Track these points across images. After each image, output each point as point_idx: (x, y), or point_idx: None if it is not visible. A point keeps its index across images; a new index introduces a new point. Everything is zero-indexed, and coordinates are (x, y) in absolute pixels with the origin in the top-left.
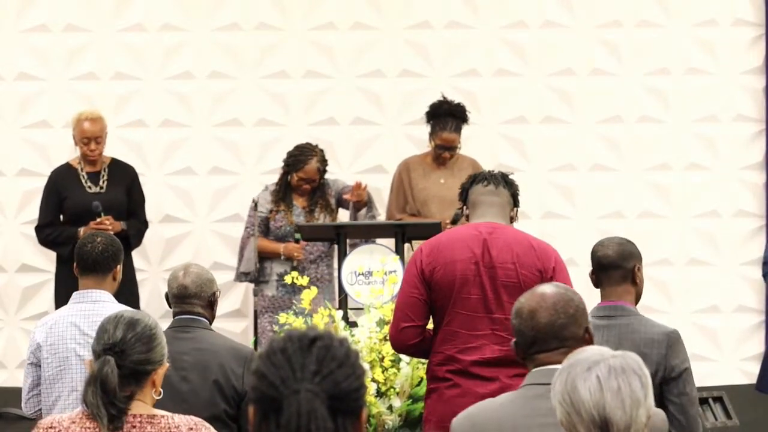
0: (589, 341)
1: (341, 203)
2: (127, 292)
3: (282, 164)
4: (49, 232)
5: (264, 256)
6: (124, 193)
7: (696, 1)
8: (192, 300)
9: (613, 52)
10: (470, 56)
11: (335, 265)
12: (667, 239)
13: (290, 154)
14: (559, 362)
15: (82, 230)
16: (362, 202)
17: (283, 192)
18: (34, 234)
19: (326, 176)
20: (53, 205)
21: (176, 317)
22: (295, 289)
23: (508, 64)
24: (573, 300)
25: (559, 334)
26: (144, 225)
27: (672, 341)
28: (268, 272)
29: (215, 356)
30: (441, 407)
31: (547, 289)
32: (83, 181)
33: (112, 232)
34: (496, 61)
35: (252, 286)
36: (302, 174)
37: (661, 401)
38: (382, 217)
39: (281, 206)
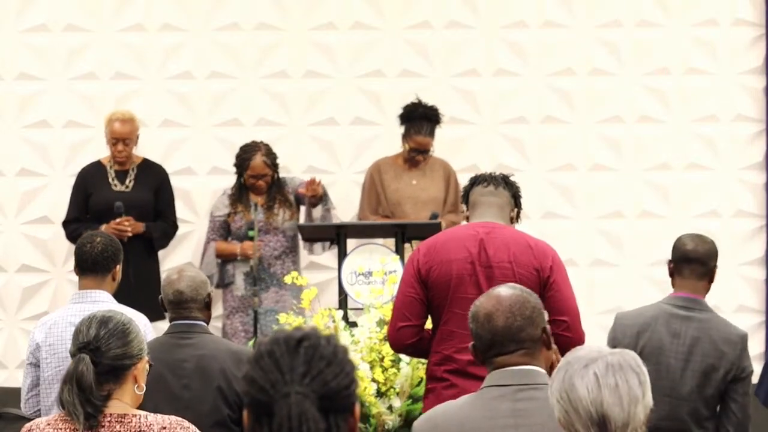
0: (547, 341)
1: (298, 199)
2: (148, 293)
3: (234, 168)
4: (74, 227)
5: (225, 259)
6: (151, 193)
7: (696, 1)
8: (189, 304)
9: (613, 52)
10: (470, 56)
11: (301, 262)
12: (667, 239)
13: (236, 156)
14: (518, 364)
15: (103, 228)
16: (317, 196)
17: (239, 193)
18: (34, 234)
19: (283, 175)
20: (80, 201)
21: (173, 323)
22: (261, 287)
23: (508, 64)
24: (529, 301)
25: (516, 337)
26: (172, 227)
27: (745, 343)
28: (231, 273)
29: (216, 361)
30: None
31: (503, 291)
32: (110, 179)
33: (131, 234)
34: (496, 61)
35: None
36: (251, 171)
37: (722, 398)
38: (336, 210)
39: (239, 207)
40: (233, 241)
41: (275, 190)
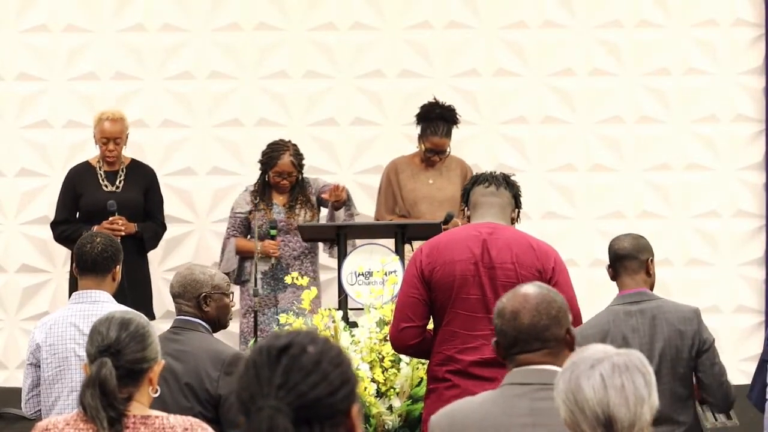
0: (571, 342)
1: (321, 202)
2: (140, 294)
3: (259, 165)
4: (63, 228)
5: (244, 256)
6: (141, 194)
7: (696, 1)
8: (177, 300)
9: (613, 52)
10: (470, 56)
11: (319, 262)
12: (667, 239)
13: (263, 153)
14: (540, 363)
15: (95, 228)
16: (341, 201)
17: (262, 191)
18: (34, 234)
19: (307, 176)
20: (69, 202)
21: (175, 318)
22: (279, 287)
23: (508, 64)
24: (555, 301)
25: (541, 335)
26: (161, 227)
27: (699, 317)
28: (248, 271)
29: (192, 359)
30: (439, 407)
31: (529, 289)
32: (100, 179)
33: (124, 233)
34: (496, 61)
35: (244, 287)
36: (277, 169)
37: (696, 374)
38: (360, 215)
39: (261, 205)
40: (252, 239)
41: (298, 190)
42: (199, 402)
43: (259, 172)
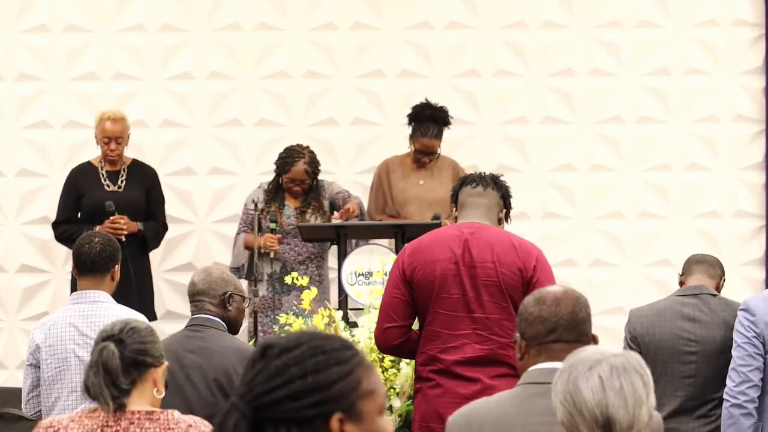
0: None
1: (333, 206)
2: (142, 293)
3: (274, 166)
4: (65, 228)
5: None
6: (143, 193)
7: (696, 2)
8: (201, 297)
9: (613, 52)
10: (470, 56)
11: (327, 266)
12: (667, 239)
13: (279, 156)
14: (562, 360)
15: (97, 228)
16: (352, 217)
17: (275, 192)
18: (34, 234)
19: (323, 178)
20: (71, 202)
21: (191, 316)
22: (283, 290)
23: (508, 64)
24: (588, 304)
25: (579, 327)
26: (163, 227)
27: None
28: (260, 271)
29: (219, 356)
30: (424, 406)
31: (565, 287)
32: (102, 179)
33: (126, 232)
34: (496, 61)
35: (251, 286)
36: (290, 176)
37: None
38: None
39: (272, 206)
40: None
41: (312, 195)
42: (226, 398)
43: (275, 173)
